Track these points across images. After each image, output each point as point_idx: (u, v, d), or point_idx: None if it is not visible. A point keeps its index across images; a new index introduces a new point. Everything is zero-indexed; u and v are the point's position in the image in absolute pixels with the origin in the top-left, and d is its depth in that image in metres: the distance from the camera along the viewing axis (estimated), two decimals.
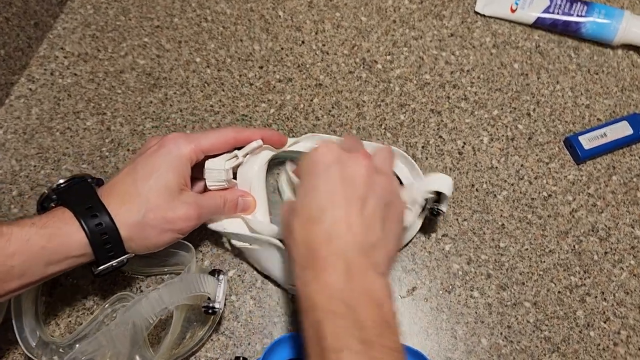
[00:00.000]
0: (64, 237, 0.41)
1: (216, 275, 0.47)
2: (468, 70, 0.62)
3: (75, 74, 0.62)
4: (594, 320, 0.50)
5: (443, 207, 0.50)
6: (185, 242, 0.50)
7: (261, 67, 0.63)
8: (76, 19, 0.66)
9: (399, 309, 0.51)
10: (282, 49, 0.64)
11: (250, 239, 0.50)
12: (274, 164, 0.57)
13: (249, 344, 0.50)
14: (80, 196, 0.43)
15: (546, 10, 0.63)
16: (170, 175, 0.44)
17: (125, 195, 0.43)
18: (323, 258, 0.37)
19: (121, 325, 0.43)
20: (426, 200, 0.50)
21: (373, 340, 0.34)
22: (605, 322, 0.50)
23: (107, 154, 0.58)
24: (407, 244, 0.53)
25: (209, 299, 0.46)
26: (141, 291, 0.52)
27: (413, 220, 0.51)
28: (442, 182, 0.49)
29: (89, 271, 0.52)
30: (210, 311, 0.46)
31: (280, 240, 0.47)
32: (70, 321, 0.50)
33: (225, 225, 0.51)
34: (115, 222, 0.42)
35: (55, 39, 0.64)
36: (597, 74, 0.62)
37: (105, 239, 0.42)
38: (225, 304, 0.51)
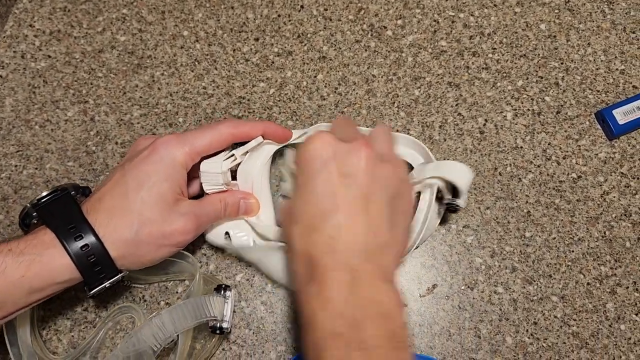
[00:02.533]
0: (45, 263, 0.37)
1: (222, 292, 0.44)
2: (489, 34, 0.55)
3: (49, 56, 0.56)
4: (625, 313, 0.48)
5: (461, 202, 0.44)
6: (188, 253, 0.46)
7: (257, 39, 0.56)
8: None
9: (418, 309, 0.48)
10: (279, 16, 0.57)
11: (255, 252, 0.46)
12: (278, 156, 0.52)
13: (262, 352, 0.47)
14: (63, 214, 0.39)
15: None
16: (163, 185, 0.40)
17: (114, 209, 0.39)
18: (325, 270, 0.33)
19: (124, 355, 0.40)
20: (440, 192, 0.45)
21: None
22: (637, 315, 0.48)
23: (93, 148, 0.53)
24: (425, 239, 0.50)
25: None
26: (145, 301, 0.49)
27: (428, 204, 0.46)
28: (460, 173, 0.43)
29: None
30: (218, 331, 0.43)
31: None
32: (72, 336, 0.48)
33: (228, 226, 0.47)
34: (104, 242, 0.38)
35: (22, 14, 0.57)
36: (633, 32, 0.55)
37: (93, 260, 0.38)
38: (234, 311, 0.48)
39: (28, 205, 0.41)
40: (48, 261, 0.37)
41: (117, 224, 0.39)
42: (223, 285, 0.44)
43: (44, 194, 0.41)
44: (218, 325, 0.43)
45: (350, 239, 0.34)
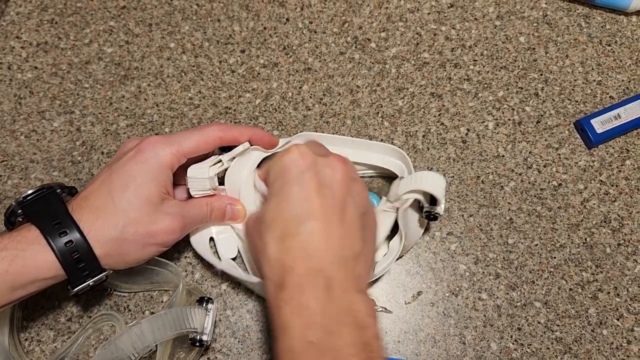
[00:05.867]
0: (28, 259, 0.37)
1: (204, 305, 0.43)
2: (470, 46, 0.57)
3: (36, 67, 0.56)
4: (607, 318, 0.48)
5: (439, 210, 0.45)
6: (172, 263, 0.46)
7: (243, 51, 0.57)
8: (31, 2, 0.58)
9: (404, 316, 0.48)
10: (264, 28, 0.58)
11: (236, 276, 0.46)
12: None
13: None
14: (48, 211, 0.39)
15: None
16: (149, 185, 0.40)
17: (100, 208, 0.39)
18: (300, 276, 0.33)
19: None
20: (420, 201, 0.46)
21: None
22: (618, 320, 0.48)
23: (79, 158, 0.53)
24: (410, 248, 0.50)
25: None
26: (129, 310, 0.48)
27: (391, 224, 0.47)
28: (433, 182, 0.43)
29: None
30: (197, 344, 0.42)
31: None
32: (55, 347, 0.47)
33: (213, 231, 0.48)
34: (88, 239, 0.38)
35: (9, 26, 0.57)
36: (609, 45, 0.57)
37: (77, 257, 0.38)
38: (220, 319, 0.48)
39: (13, 203, 0.41)
40: (31, 257, 0.37)
41: (102, 223, 0.38)
42: (206, 298, 0.44)
43: (30, 192, 0.41)
44: (198, 337, 0.42)
45: (325, 246, 0.34)
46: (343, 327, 0.32)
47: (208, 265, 0.50)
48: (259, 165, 0.48)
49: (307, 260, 0.34)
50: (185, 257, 0.50)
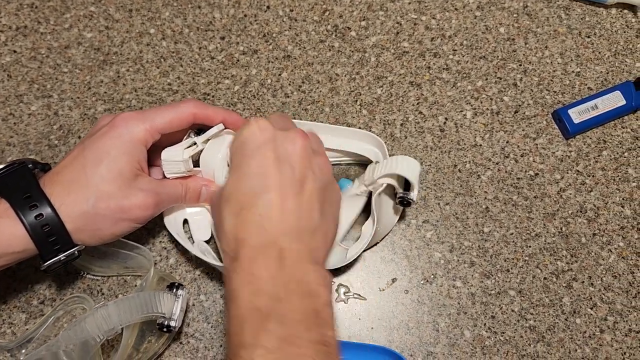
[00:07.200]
0: None
1: (174, 290, 0.43)
2: (450, 36, 0.57)
3: (15, 51, 0.56)
4: (581, 307, 0.48)
5: (412, 196, 0.45)
6: (145, 248, 0.46)
7: (223, 38, 0.57)
8: None
9: (378, 303, 0.48)
10: (245, 16, 0.57)
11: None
12: None
13: (220, 345, 0.47)
14: (18, 185, 0.39)
15: None
16: (122, 160, 0.40)
17: (72, 182, 0.39)
18: (252, 248, 0.33)
19: (67, 343, 0.39)
20: (394, 187, 0.46)
21: (296, 335, 0.31)
22: (591, 309, 0.48)
23: (56, 142, 0.53)
24: (385, 235, 0.50)
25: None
26: (102, 293, 0.48)
27: (360, 208, 0.47)
28: (407, 167, 0.44)
29: (43, 275, 0.48)
30: (165, 329, 0.42)
31: None
32: (27, 329, 0.47)
33: (187, 212, 0.47)
34: (59, 213, 0.38)
35: None
36: (588, 37, 0.57)
37: (48, 231, 0.38)
38: (193, 304, 0.48)
39: None
40: (0, 230, 0.36)
41: (74, 197, 0.38)
42: (176, 284, 0.44)
43: (1, 166, 0.41)
44: (166, 322, 0.42)
45: (280, 219, 0.34)
46: (291, 295, 0.32)
47: (183, 250, 0.50)
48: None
49: (261, 233, 0.34)
50: (160, 241, 0.50)
